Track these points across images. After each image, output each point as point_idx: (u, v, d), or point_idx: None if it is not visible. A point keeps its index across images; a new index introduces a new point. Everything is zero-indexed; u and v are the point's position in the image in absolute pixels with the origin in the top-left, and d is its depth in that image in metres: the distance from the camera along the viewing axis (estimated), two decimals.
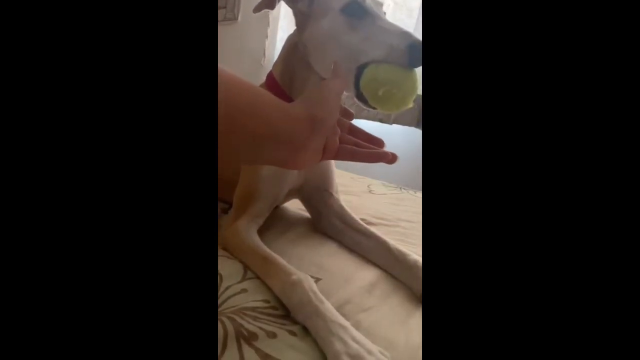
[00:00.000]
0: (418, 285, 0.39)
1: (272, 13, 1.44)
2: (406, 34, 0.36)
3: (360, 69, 0.37)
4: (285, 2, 0.46)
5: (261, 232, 0.48)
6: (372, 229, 0.49)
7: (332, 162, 0.56)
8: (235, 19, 1.54)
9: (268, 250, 0.40)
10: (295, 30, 0.48)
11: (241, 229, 0.45)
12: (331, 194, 0.55)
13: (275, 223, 0.54)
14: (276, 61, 0.50)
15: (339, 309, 0.33)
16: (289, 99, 0.47)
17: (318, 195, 0.55)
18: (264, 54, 1.46)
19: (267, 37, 1.45)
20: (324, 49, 0.42)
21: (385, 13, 0.44)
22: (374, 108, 0.37)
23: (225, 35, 1.50)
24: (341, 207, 0.53)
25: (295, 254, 0.45)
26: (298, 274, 0.34)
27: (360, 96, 0.38)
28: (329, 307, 0.31)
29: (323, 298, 0.32)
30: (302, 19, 0.45)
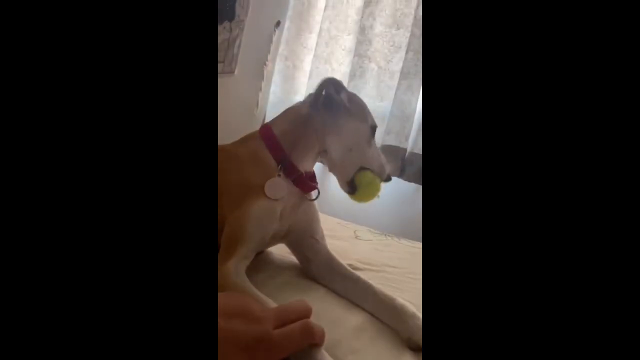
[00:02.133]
0: (404, 329, 0.40)
1: (267, 69, 1.56)
2: (385, 164, 0.58)
3: (359, 169, 0.54)
4: (328, 91, 0.55)
5: (250, 276, 0.48)
6: (359, 273, 0.51)
7: (317, 208, 0.59)
8: (232, 72, 1.67)
9: (258, 292, 0.41)
10: (310, 103, 0.56)
11: (231, 270, 0.46)
12: (317, 240, 0.57)
13: (263, 268, 0.55)
14: (279, 120, 0.57)
15: (328, 350, 0.34)
16: (287, 156, 0.53)
17: (305, 242, 0.56)
18: (257, 104, 1.56)
19: (260, 90, 1.56)
20: (346, 146, 0.55)
21: None
22: (351, 194, 0.56)
23: (223, 86, 1.61)
24: (328, 252, 0.55)
25: (284, 298, 0.45)
26: None
27: (351, 185, 0.55)
28: (319, 349, 0.32)
29: None
30: (335, 107, 0.55)
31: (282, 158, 0.52)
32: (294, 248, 0.58)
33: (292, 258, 0.60)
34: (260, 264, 0.55)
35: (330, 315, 0.42)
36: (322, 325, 0.38)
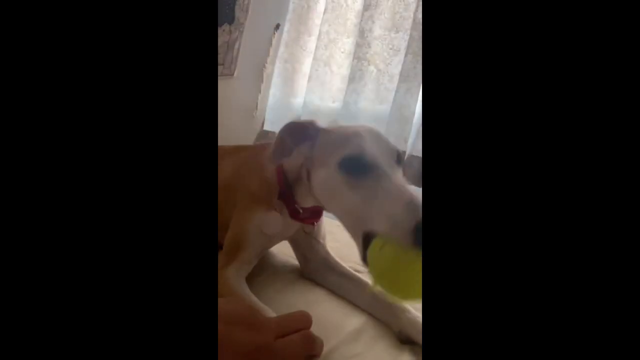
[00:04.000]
0: (395, 322, 0.41)
1: (266, 71, 1.57)
2: (414, 206, 0.28)
3: (368, 237, 0.31)
4: (283, 144, 0.42)
5: (250, 279, 0.49)
6: (359, 276, 0.51)
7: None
8: (232, 74, 1.67)
9: (256, 299, 0.41)
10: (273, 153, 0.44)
11: (229, 276, 0.46)
12: (318, 241, 0.57)
13: (263, 270, 0.55)
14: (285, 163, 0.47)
15: (328, 354, 0.33)
16: (288, 190, 0.47)
17: (306, 241, 0.57)
18: (256, 107, 1.56)
19: (260, 92, 1.56)
20: (325, 201, 0.40)
21: (398, 153, 0.39)
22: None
23: (222, 89, 1.61)
24: (326, 251, 0.56)
25: (283, 302, 0.46)
26: None
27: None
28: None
29: None
30: (307, 159, 0.42)
31: (282, 191, 0.47)
32: (295, 246, 0.59)
33: (291, 259, 0.60)
34: (261, 266, 0.55)
35: (330, 319, 0.42)
36: (322, 329, 0.38)
